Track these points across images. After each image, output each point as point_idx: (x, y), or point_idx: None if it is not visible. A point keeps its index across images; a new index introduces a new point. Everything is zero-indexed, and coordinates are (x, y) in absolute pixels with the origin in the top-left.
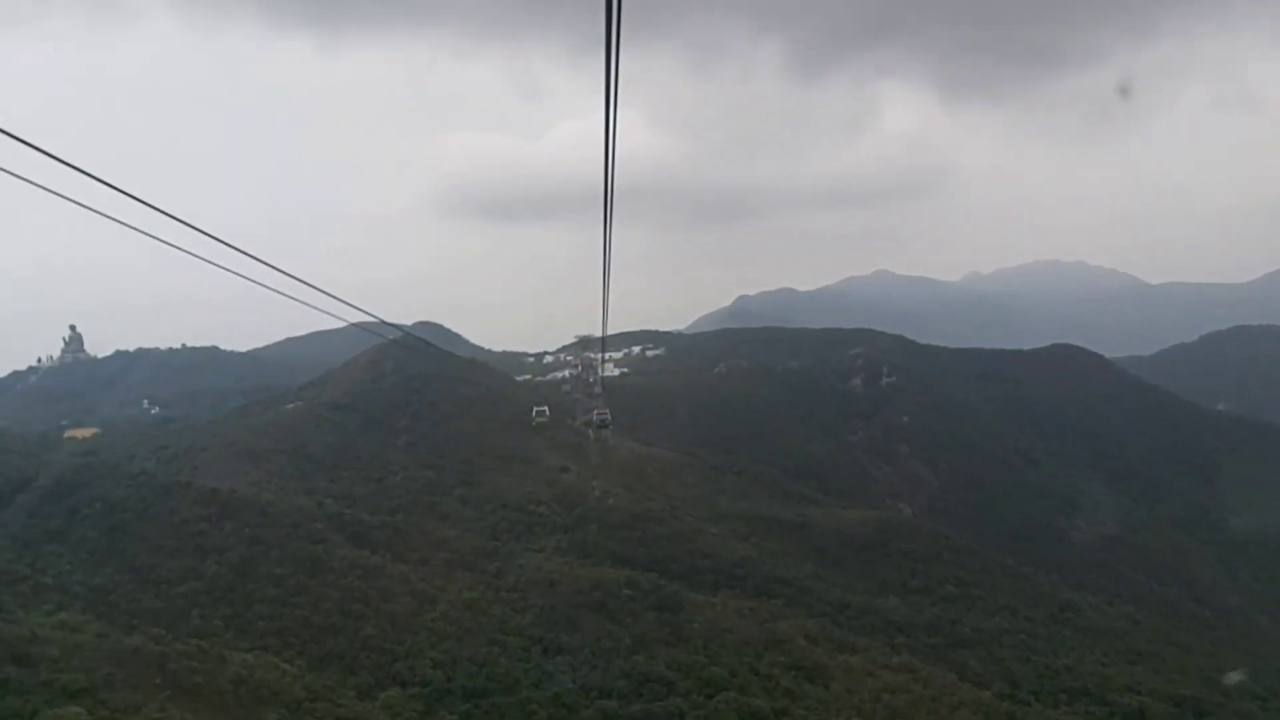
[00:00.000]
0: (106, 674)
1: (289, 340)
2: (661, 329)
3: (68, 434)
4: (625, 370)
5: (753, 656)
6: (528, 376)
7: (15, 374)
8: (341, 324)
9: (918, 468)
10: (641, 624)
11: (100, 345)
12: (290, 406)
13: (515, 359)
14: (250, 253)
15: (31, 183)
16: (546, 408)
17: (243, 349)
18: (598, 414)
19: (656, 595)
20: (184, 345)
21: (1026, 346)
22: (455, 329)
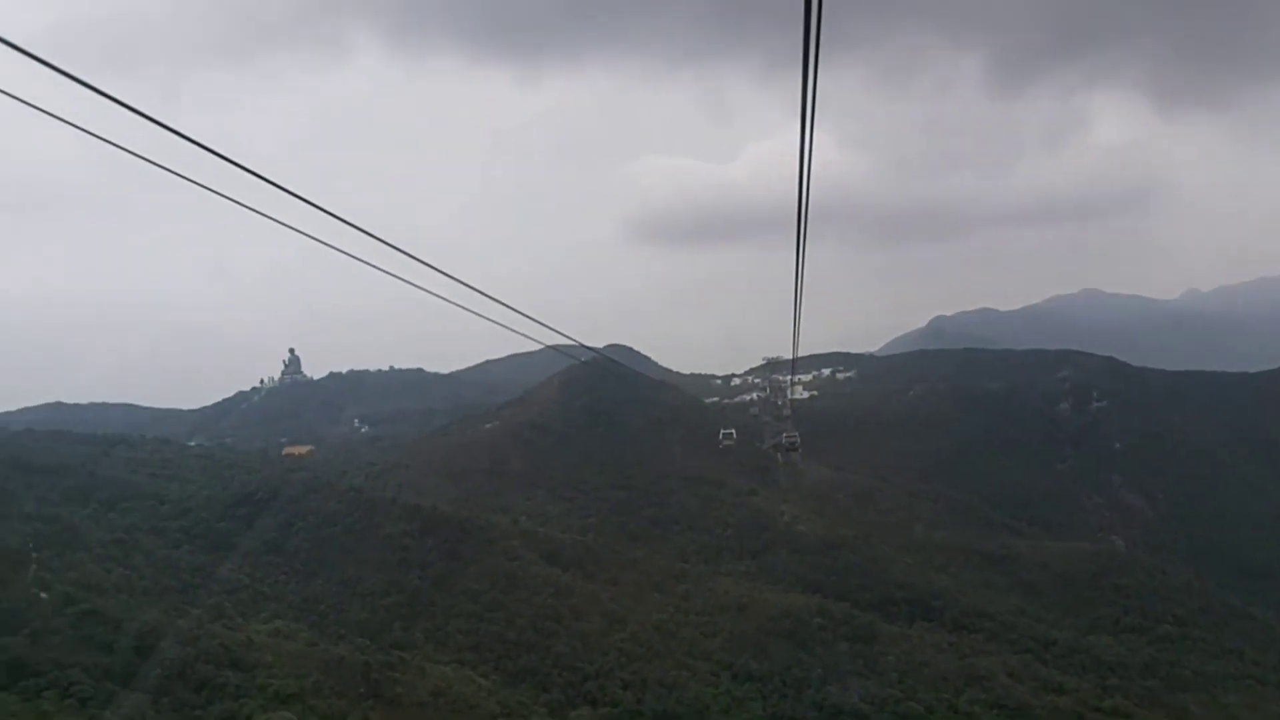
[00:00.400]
0: (315, 681)
1: (488, 363)
2: (852, 351)
3: (285, 451)
4: (815, 393)
5: (951, 693)
6: (716, 399)
7: (240, 394)
8: (537, 347)
9: (1131, 498)
10: (833, 654)
11: (316, 367)
12: (488, 426)
13: (703, 381)
14: (458, 277)
15: (261, 213)
16: (733, 430)
17: (445, 371)
18: (787, 437)
19: (849, 625)
20: (391, 368)
21: (1252, 370)
22: (645, 352)
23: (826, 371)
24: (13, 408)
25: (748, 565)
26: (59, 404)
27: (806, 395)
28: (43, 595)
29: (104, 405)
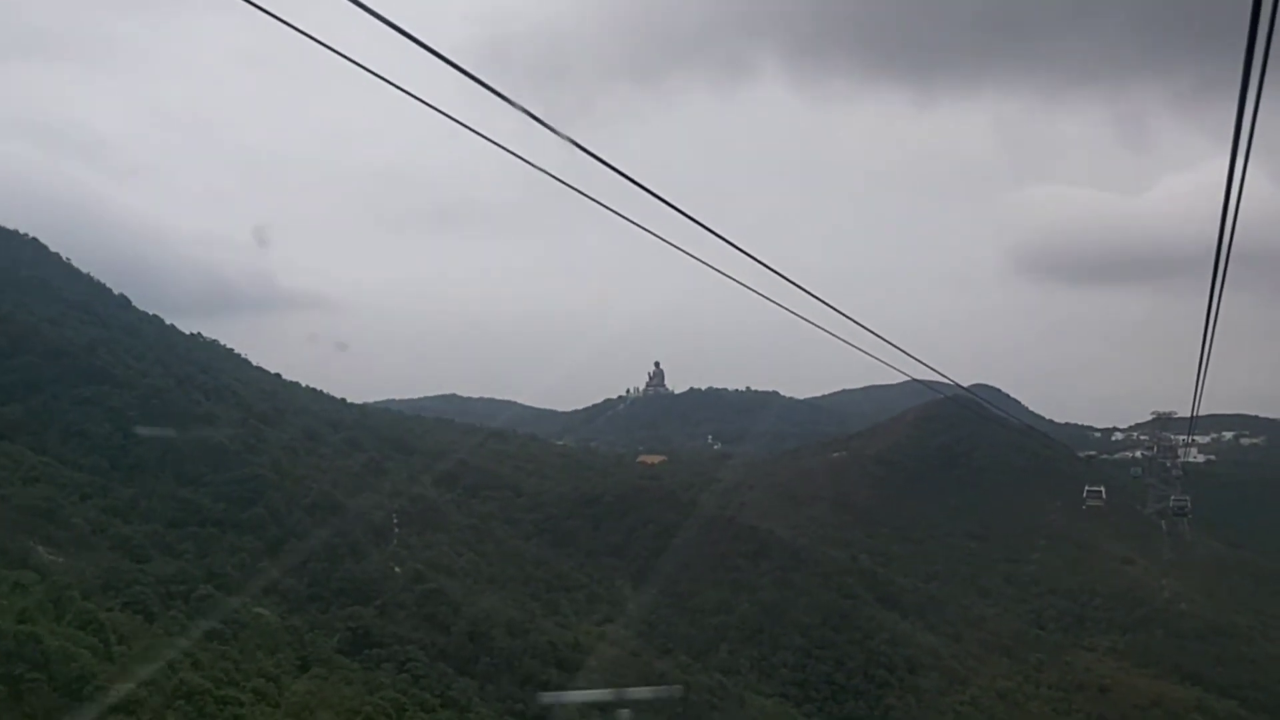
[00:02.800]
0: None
1: (844, 391)
2: (1262, 415)
3: (640, 458)
4: (1212, 457)
5: None
6: (1093, 453)
7: (608, 401)
8: (896, 380)
9: None
10: None
11: (678, 382)
12: (836, 455)
13: (1079, 432)
14: (825, 299)
15: (652, 232)
16: (1103, 489)
17: (800, 396)
18: (1175, 500)
19: None
20: (748, 388)
21: None
22: (1014, 394)
23: (1229, 435)
24: (415, 395)
25: (1114, 641)
26: (454, 396)
27: (1202, 459)
28: (396, 570)
29: (492, 401)
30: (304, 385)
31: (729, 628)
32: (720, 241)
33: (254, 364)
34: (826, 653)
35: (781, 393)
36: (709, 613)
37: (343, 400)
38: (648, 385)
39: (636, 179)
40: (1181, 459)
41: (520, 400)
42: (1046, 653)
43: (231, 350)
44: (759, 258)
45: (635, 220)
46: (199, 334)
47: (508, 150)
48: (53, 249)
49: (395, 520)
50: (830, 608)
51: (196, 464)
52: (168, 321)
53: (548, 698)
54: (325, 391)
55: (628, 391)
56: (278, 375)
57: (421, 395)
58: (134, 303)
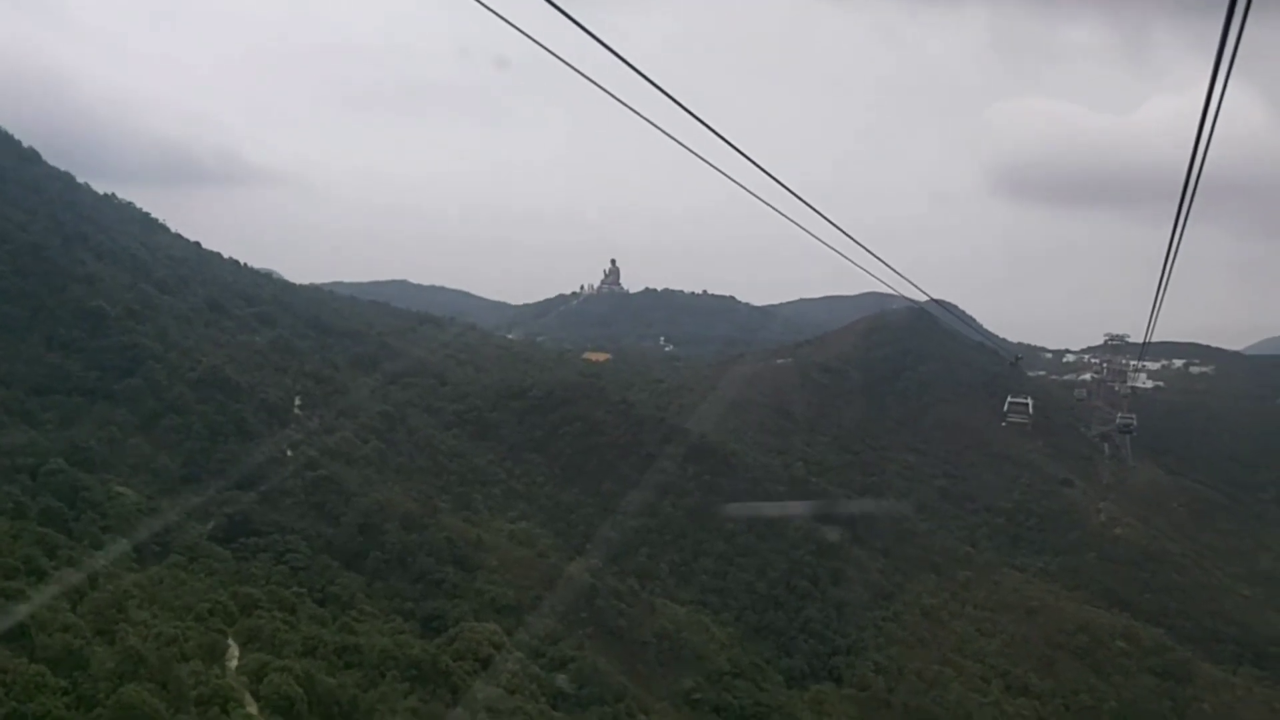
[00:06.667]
0: (535, 595)
1: (802, 300)
2: (1214, 344)
3: (585, 355)
4: (1161, 384)
5: None
6: (1042, 373)
7: (560, 297)
8: (855, 291)
9: None
10: (1134, 687)
11: (635, 282)
12: (781, 362)
13: (1031, 352)
14: (801, 195)
15: (628, 105)
16: (1029, 401)
17: (758, 303)
18: (1122, 417)
19: (1159, 657)
20: (705, 292)
21: None
22: (972, 312)
23: (1179, 363)
24: (365, 279)
25: (1046, 563)
26: (405, 282)
27: (1150, 385)
28: (288, 453)
29: (443, 289)
30: (225, 257)
31: (651, 531)
32: (692, 139)
33: (172, 230)
34: (749, 560)
35: (739, 298)
36: (632, 515)
37: (268, 274)
38: (603, 283)
39: (617, 58)
40: (1130, 383)
41: (473, 291)
42: (976, 571)
43: (149, 215)
44: (732, 141)
45: (615, 96)
46: (128, 201)
47: (494, 12)
48: None
49: (298, 402)
50: (757, 515)
51: (71, 328)
52: (110, 193)
53: None
54: (249, 265)
55: (581, 288)
56: (197, 244)
57: (372, 280)
58: (45, 158)
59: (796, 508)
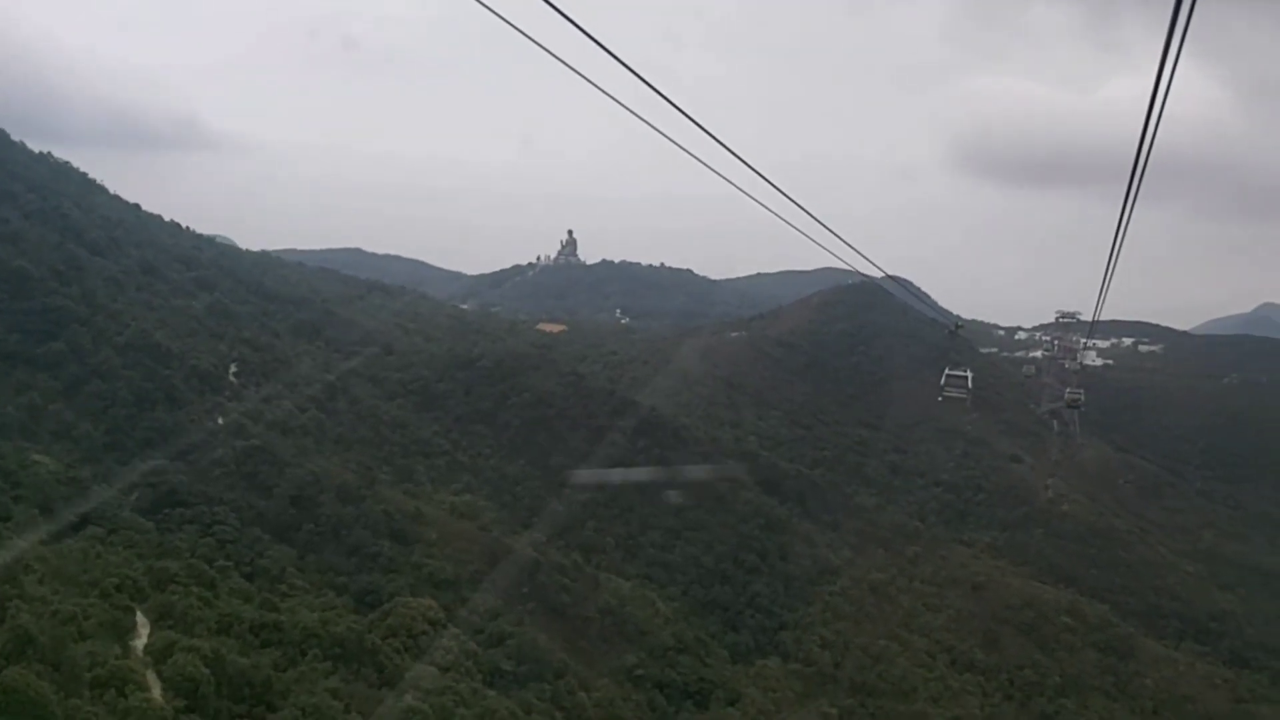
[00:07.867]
0: (475, 570)
1: (759, 275)
2: (1162, 324)
3: (539, 326)
4: (1110, 361)
5: None
6: (994, 350)
7: (516, 267)
8: (812, 267)
9: None
10: (1078, 663)
11: (592, 253)
12: (735, 335)
13: (983, 330)
14: (760, 171)
15: (584, 77)
16: (968, 374)
17: (715, 276)
18: (1071, 392)
19: (1103, 632)
20: (663, 265)
21: None
22: (926, 288)
23: (1128, 341)
24: (318, 247)
25: (993, 538)
26: (359, 250)
27: (1100, 362)
28: (219, 421)
29: (398, 258)
30: (166, 219)
31: (598, 504)
32: (651, 113)
33: (110, 191)
34: (696, 535)
35: (696, 271)
36: (579, 488)
37: (211, 239)
38: (559, 254)
39: (579, 30)
40: (1080, 360)
41: (429, 260)
42: (924, 546)
43: (86, 175)
44: (690, 114)
45: (574, 68)
46: (65, 161)
47: None
48: None
49: (233, 369)
50: (705, 489)
51: None
52: (46, 151)
53: None
54: (191, 228)
55: (538, 259)
56: (136, 206)
57: (325, 247)
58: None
59: (732, 469)
